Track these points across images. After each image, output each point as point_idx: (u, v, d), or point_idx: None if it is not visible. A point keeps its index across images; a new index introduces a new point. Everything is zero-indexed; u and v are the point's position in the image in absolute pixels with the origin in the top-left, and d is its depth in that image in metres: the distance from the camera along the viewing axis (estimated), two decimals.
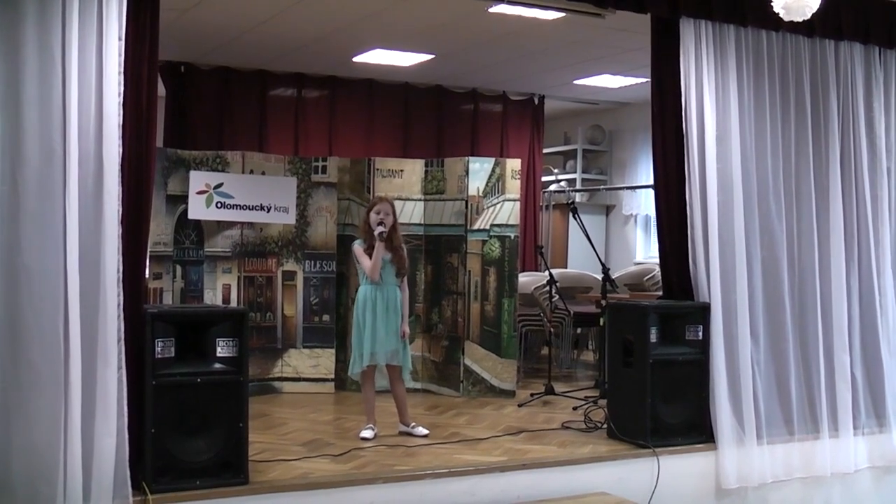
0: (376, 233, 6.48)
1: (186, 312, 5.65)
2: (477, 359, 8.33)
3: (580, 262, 11.93)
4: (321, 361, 8.46)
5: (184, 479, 5.00)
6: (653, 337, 6.30)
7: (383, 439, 6.43)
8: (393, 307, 6.58)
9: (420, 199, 8.65)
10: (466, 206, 8.40)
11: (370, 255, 6.52)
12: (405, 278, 6.74)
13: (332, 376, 8.45)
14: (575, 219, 8.29)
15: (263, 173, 8.45)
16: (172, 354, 5.08)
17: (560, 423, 7.01)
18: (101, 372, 4.79)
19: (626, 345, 6.47)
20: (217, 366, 5.18)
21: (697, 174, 6.46)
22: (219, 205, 8.11)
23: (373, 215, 6.57)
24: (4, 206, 4.69)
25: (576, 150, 13.86)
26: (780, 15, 5.65)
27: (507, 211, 8.34)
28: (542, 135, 12.86)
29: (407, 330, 6.67)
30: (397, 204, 7.11)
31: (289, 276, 8.50)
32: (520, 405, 7.81)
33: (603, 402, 7.15)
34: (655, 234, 7.02)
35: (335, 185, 8.60)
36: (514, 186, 8.39)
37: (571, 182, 13.82)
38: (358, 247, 6.62)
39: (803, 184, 6.90)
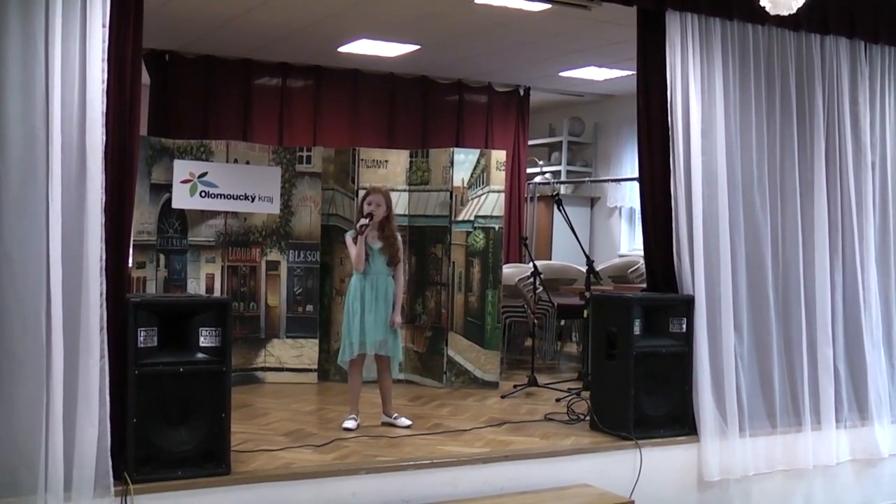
0: (357, 225, 6.47)
1: (169, 302, 5.61)
2: (460, 350, 8.33)
3: (564, 254, 11.94)
4: (304, 352, 8.45)
5: (165, 469, 4.98)
6: (636, 329, 6.30)
7: (366, 430, 6.43)
8: (384, 297, 6.56)
9: (405, 190, 8.63)
10: (451, 197, 8.39)
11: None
12: (399, 267, 6.70)
13: (316, 367, 8.45)
14: (559, 211, 8.28)
15: (248, 163, 8.42)
16: (155, 344, 5.06)
17: (543, 415, 7.02)
18: (84, 361, 4.76)
19: (609, 337, 6.46)
20: (200, 355, 5.16)
21: (682, 167, 6.46)
22: (203, 194, 8.08)
23: (365, 206, 6.55)
24: None
25: (561, 142, 13.87)
26: (767, 9, 5.65)
27: (491, 202, 8.34)
28: (528, 126, 12.86)
29: (398, 320, 6.63)
30: None
31: (273, 265, 8.49)
32: (503, 396, 7.81)
33: (586, 393, 7.17)
34: (640, 227, 7.03)
35: (320, 174, 8.58)
36: (498, 178, 8.38)
37: (556, 174, 13.82)
38: (349, 237, 6.59)
39: (788, 178, 6.91)
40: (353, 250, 6.51)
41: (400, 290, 6.70)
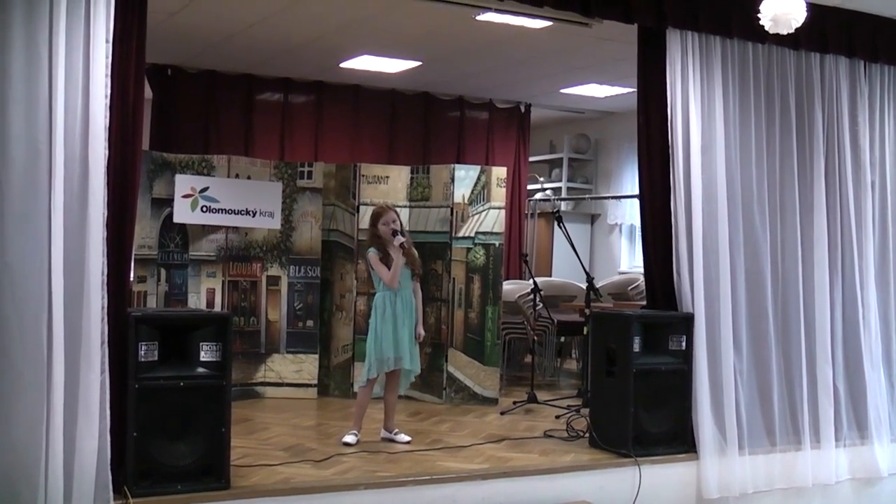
0: (397, 243, 6.49)
1: (170, 316, 5.61)
2: (460, 366, 8.33)
3: (564, 271, 11.94)
4: (304, 367, 8.45)
5: (165, 483, 4.99)
6: (636, 346, 6.31)
7: (365, 445, 6.43)
8: (410, 311, 6.63)
9: (405, 206, 8.63)
10: (451, 214, 8.40)
11: (385, 264, 6.53)
12: (419, 280, 6.80)
13: (315, 382, 8.44)
14: (560, 227, 8.30)
15: (249, 178, 8.43)
16: (155, 358, 5.07)
17: (542, 432, 7.01)
18: (84, 375, 4.77)
19: (609, 354, 6.47)
20: (200, 370, 5.17)
21: (682, 184, 6.48)
22: (204, 209, 8.10)
23: (381, 227, 6.56)
24: None
25: (561, 158, 13.88)
26: (766, 27, 5.68)
27: (492, 219, 8.34)
28: (528, 143, 12.87)
29: (422, 332, 6.75)
30: None
31: (273, 280, 8.49)
32: (502, 413, 7.80)
33: (585, 410, 7.15)
34: (640, 244, 7.04)
35: (321, 190, 8.60)
36: (499, 194, 8.39)
37: (557, 191, 13.82)
38: (374, 255, 6.56)
39: (788, 196, 6.93)
40: (383, 269, 6.52)
41: (420, 301, 6.79)
